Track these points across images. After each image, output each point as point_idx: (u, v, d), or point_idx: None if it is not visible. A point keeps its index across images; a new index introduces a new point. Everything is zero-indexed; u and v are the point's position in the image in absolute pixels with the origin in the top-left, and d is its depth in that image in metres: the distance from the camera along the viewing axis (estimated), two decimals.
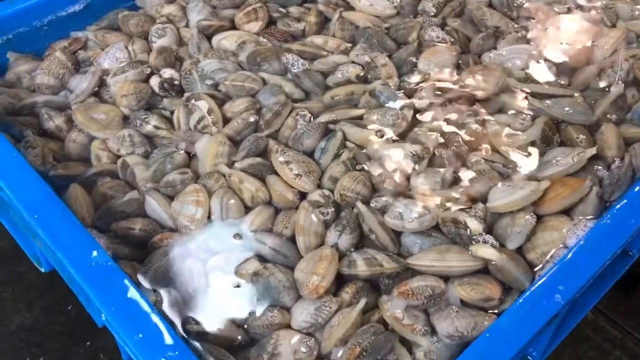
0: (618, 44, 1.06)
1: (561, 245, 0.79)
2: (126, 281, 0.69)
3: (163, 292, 0.74)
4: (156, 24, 1.13)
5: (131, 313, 0.67)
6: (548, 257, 0.78)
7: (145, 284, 0.75)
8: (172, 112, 0.99)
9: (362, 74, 1.02)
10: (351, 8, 1.17)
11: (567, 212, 0.84)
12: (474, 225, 0.80)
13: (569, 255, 0.73)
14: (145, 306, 0.67)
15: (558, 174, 0.86)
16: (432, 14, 1.14)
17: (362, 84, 1.01)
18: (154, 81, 1.03)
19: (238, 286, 0.76)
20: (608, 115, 0.94)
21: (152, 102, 1.02)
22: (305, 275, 0.76)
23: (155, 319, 0.66)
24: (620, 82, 0.98)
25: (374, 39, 1.08)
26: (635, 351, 1.07)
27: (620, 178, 0.86)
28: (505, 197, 0.83)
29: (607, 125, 0.92)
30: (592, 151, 0.87)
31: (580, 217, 0.82)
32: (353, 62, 1.04)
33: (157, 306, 0.71)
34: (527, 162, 0.90)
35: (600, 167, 0.88)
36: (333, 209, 0.84)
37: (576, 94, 0.98)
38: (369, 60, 1.04)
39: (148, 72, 1.04)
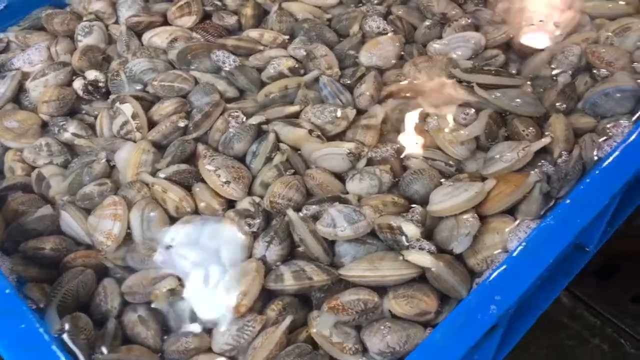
0: (571, 28, 1.01)
1: (502, 249, 0.73)
2: (24, 308, 0.63)
3: (71, 319, 0.68)
4: (83, 22, 1.06)
5: (27, 346, 0.61)
6: (489, 262, 0.73)
7: (52, 309, 0.69)
8: (96, 117, 0.93)
9: (295, 66, 0.96)
10: None
11: (512, 211, 0.78)
12: (411, 230, 0.74)
13: (507, 261, 0.67)
14: (45, 337, 0.62)
15: (503, 170, 0.80)
16: (377, 1, 1.07)
17: (297, 77, 0.95)
18: (77, 84, 0.96)
19: (155, 307, 0.71)
20: (557, 105, 0.89)
21: (77, 108, 0.96)
22: None
23: (55, 350, 0.61)
24: (568, 70, 0.92)
25: (313, 32, 1.01)
26: (615, 338, 1.04)
27: (569, 173, 0.80)
28: (448, 200, 0.77)
29: (556, 117, 0.87)
30: (538, 144, 0.82)
31: (524, 218, 0.76)
32: (286, 56, 0.98)
33: (60, 335, 0.65)
34: (469, 159, 0.85)
35: (548, 162, 0.82)
36: (261, 219, 0.78)
37: (526, 83, 0.93)
38: (307, 53, 0.97)
39: (71, 74, 0.97)
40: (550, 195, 0.80)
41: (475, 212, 0.77)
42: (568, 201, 0.72)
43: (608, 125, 0.86)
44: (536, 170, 0.80)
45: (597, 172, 0.76)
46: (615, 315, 1.07)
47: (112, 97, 0.95)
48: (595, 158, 0.81)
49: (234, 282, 0.71)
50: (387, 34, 1.02)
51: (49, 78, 0.96)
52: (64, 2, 1.13)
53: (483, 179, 0.80)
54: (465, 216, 0.76)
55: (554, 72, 0.95)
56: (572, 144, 0.84)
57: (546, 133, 0.85)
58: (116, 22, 1.09)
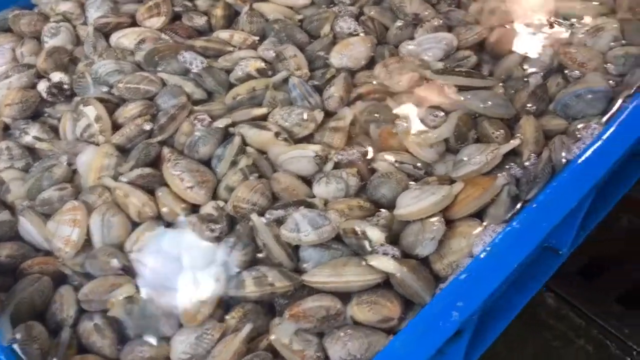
0: (543, 28, 1.00)
1: (468, 254, 0.72)
2: None
3: (24, 328, 0.66)
4: (50, 23, 1.04)
5: None
6: (454, 267, 0.72)
7: (4, 318, 0.67)
8: (59, 120, 0.91)
9: (264, 67, 0.94)
10: None
11: (480, 215, 0.77)
12: (375, 235, 0.73)
13: (471, 266, 0.66)
14: None
15: (471, 173, 0.79)
16: (349, 2, 1.06)
17: (265, 78, 0.93)
18: (42, 86, 0.94)
19: (111, 316, 0.69)
20: (528, 107, 0.88)
21: (41, 110, 0.94)
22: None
23: None
24: (540, 71, 0.91)
25: (283, 34, 1.00)
26: (600, 339, 1.03)
27: (538, 175, 0.79)
28: (415, 204, 0.75)
29: (526, 118, 0.85)
30: (507, 147, 0.81)
31: (491, 222, 0.75)
32: (254, 57, 0.96)
33: (12, 345, 0.64)
34: (439, 162, 0.83)
35: (516, 165, 0.81)
36: (224, 224, 0.76)
37: (497, 85, 0.92)
38: (277, 54, 0.96)
39: (35, 76, 0.95)
40: (518, 198, 0.78)
41: (442, 216, 0.75)
42: (534, 205, 0.71)
43: (579, 127, 0.85)
44: (504, 173, 0.78)
45: (564, 174, 0.75)
46: (600, 316, 1.06)
47: (75, 99, 0.93)
48: (565, 160, 0.80)
49: (194, 288, 0.69)
50: (358, 34, 1.00)
51: (12, 80, 0.94)
52: (31, 3, 1.11)
53: (452, 182, 0.79)
54: (431, 220, 0.74)
55: (526, 72, 0.94)
56: (542, 146, 0.83)
57: (516, 135, 0.84)
58: (84, 23, 1.07)
